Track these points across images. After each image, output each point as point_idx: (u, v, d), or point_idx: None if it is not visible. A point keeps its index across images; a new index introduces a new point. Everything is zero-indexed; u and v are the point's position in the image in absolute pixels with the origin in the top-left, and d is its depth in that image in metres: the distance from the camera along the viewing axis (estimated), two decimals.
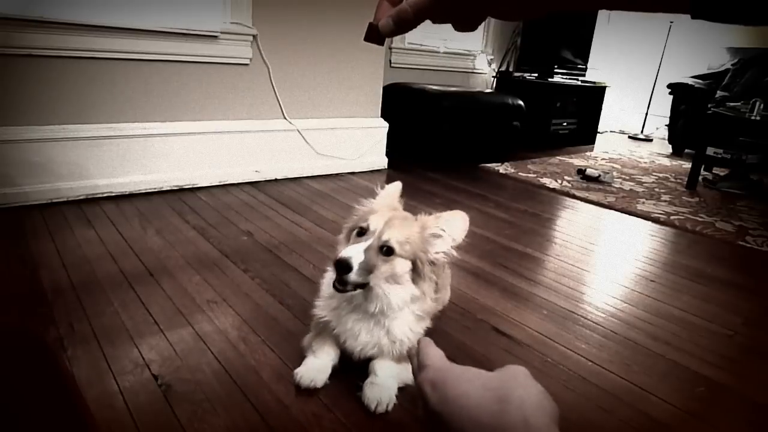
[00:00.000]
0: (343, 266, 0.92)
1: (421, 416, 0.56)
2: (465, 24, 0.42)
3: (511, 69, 4.44)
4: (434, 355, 0.60)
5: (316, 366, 1.04)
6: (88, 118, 2.04)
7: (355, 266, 0.92)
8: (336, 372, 1.07)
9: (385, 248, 0.96)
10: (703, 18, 0.36)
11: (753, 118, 3.05)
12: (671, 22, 5.13)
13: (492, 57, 4.39)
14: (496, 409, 0.48)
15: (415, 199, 2.48)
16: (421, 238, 1.01)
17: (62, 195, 2.00)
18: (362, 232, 1.00)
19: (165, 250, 1.64)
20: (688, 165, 3.58)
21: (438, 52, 3.93)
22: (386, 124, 3.00)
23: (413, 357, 0.65)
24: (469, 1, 0.40)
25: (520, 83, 4.17)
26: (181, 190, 2.28)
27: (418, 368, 0.60)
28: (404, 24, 0.42)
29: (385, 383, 1.01)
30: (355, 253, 0.93)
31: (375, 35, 0.44)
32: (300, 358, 1.12)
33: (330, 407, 0.98)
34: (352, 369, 1.08)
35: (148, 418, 0.92)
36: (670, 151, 4.70)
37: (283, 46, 2.49)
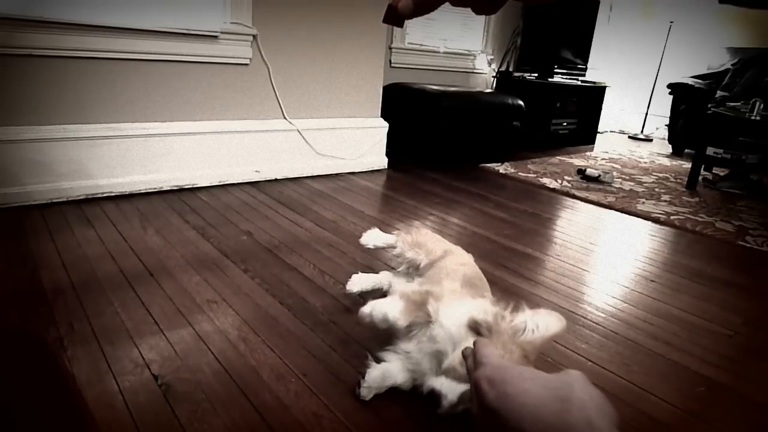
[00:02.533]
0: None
1: (474, 412, 0.56)
2: (485, 6, 0.41)
3: (511, 69, 4.44)
4: (491, 354, 0.61)
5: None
6: (88, 118, 2.04)
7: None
8: (336, 372, 1.08)
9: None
10: (730, 3, 0.36)
11: (753, 118, 3.05)
12: (671, 22, 5.13)
13: (492, 57, 4.39)
14: (558, 408, 0.48)
15: (415, 199, 2.48)
16: None
17: (62, 195, 2.00)
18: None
19: (165, 250, 1.64)
20: (688, 165, 3.58)
21: (438, 52, 3.93)
22: (386, 124, 3.00)
23: (468, 356, 0.65)
24: None
25: (520, 83, 4.17)
26: (181, 190, 2.28)
27: (474, 366, 0.60)
28: (424, 5, 0.41)
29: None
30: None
31: (394, 17, 0.44)
32: (301, 357, 1.12)
33: (330, 407, 0.98)
34: (353, 371, 1.08)
35: (148, 418, 0.92)
36: (670, 151, 4.70)
37: (283, 46, 2.49)
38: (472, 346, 0.68)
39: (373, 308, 1.01)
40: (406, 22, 0.49)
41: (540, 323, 0.87)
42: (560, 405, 0.48)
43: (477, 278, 1.19)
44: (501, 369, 0.56)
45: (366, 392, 0.99)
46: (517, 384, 0.52)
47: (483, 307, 0.97)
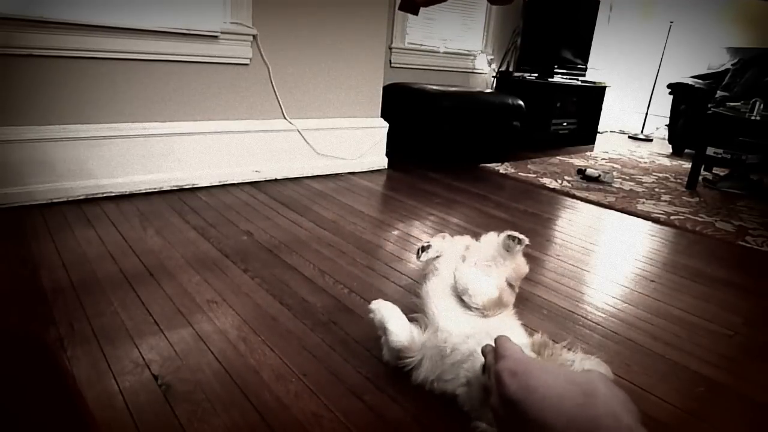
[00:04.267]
0: None
1: (494, 404, 0.56)
2: None
3: (511, 69, 4.44)
4: (513, 347, 0.60)
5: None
6: (89, 118, 2.04)
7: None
8: (336, 372, 1.08)
9: None
10: None
11: (753, 118, 3.05)
12: (671, 22, 5.13)
13: (492, 57, 4.39)
14: (582, 402, 0.48)
15: (415, 199, 2.48)
16: None
17: (62, 195, 2.00)
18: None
19: (165, 250, 1.64)
20: (688, 165, 3.58)
21: (438, 52, 3.93)
22: (386, 124, 3.00)
23: (488, 353, 0.64)
24: None
25: (520, 83, 4.17)
26: (181, 190, 2.28)
27: (496, 358, 0.60)
28: None
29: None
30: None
31: (410, 4, 0.43)
32: (301, 357, 1.12)
33: (330, 407, 0.98)
34: (353, 371, 1.08)
35: (148, 418, 0.92)
36: (670, 151, 4.70)
37: (283, 46, 2.49)
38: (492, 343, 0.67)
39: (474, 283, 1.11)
40: (416, 13, 0.48)
41: (587, 367, 0.84)
42: (585, 399, 0.48)
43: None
44: (524, 362, 0.55)
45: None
46: (539, 376, 0.52)
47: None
